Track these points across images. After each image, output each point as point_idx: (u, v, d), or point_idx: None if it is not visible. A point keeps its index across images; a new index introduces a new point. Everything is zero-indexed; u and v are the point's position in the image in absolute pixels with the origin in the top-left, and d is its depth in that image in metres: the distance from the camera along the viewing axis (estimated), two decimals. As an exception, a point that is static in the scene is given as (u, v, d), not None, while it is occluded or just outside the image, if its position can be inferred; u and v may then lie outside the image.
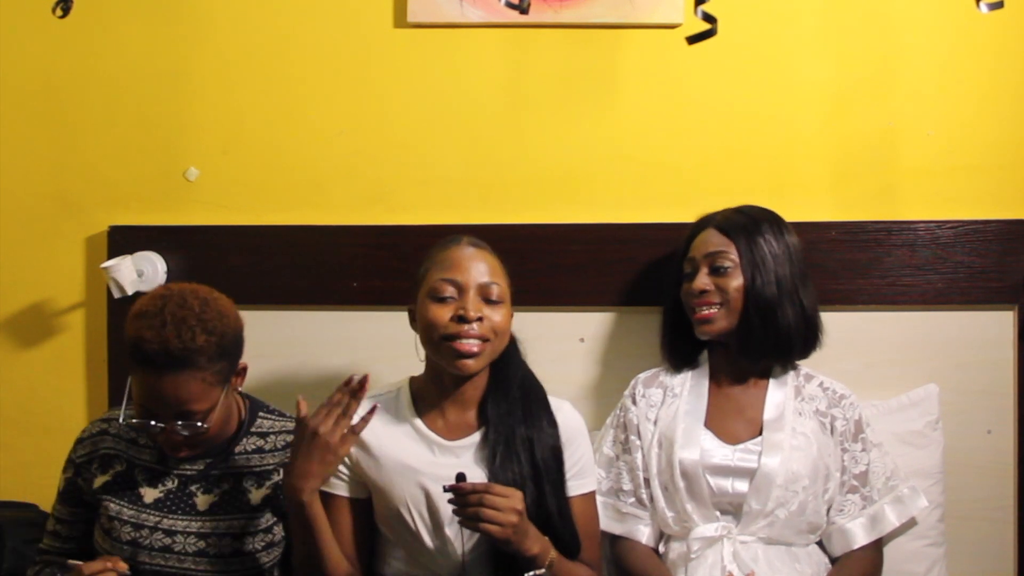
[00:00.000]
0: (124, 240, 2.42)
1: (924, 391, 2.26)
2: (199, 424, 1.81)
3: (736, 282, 2.03)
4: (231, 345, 1.85)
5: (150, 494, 1.94)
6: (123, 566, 1.75)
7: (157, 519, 1.92)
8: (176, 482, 1.95)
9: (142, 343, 1.76)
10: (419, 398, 1.97)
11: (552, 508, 1.89)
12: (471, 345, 1.86)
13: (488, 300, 1.89)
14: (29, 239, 2.50)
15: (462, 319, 1.85)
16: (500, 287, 1.91)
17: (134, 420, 1.84)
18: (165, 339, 1.75)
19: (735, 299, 2.03)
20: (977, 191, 2.35)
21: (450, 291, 1.88)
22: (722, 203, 2.14)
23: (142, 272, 2.35)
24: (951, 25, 2.34)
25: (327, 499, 1.91)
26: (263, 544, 1.95)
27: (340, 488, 1.94)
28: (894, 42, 2.36)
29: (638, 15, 2.36)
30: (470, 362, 1.87)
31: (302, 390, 2.36)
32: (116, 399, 2.19)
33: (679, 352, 2.15)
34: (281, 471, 1.95)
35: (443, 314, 1.87)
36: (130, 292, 2.31)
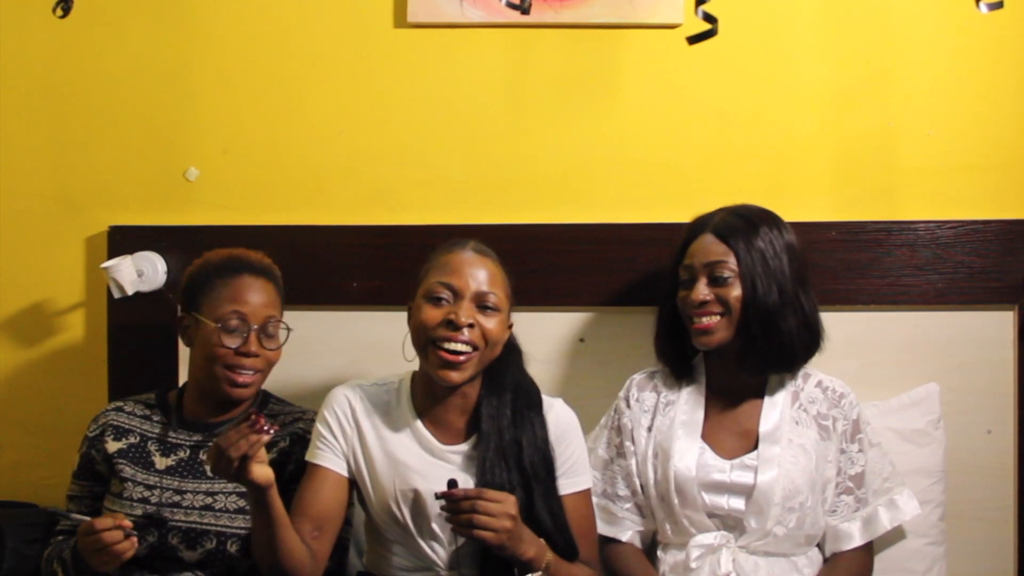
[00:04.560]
0: (124, 240, 2.42)
1: (925, 390, 2.26)
2: (281, 323, 2.02)
3: (736, 292, 1.98)
4: (282, 289, 2.11)
5: (162, 462, 2.02)
6: (128, 524, 1.80)
7: (169, 481, 2.00)
8: (188, 452, 2.03)
9: (234, 256, 2.05)
10: (417, 396, 1.98)
11: (543, 514, 1.88)
12: (457, 353, 1.85)
13: (483, 307, 1.88)
14: (29, 239, 2.50)
15: (452, 324, 1.85)
16: (497, 296, 1.90)
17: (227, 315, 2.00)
18: (248, 256, 2.06)
19: (735, 309, 1.98)
20: (977, 191, 2.35)
21: (445, 295, 1.88)
22: (722, 203, 2.13)
23: (142, 272, 2.35)
24: (951, 25, 2.34)
25: (315, 470, 1.94)
26: None
27: (329, 461, 1.94)
28: (894, 42, 2.36)
29: (638, 15, 2.36)
30: (454, 374, 1.86)
31: (302, 390, 2.37)
32: (116, 398, 2.19)
33: (679, 361, 2.11)
34: (289, 439, 2.04)
35: (435, 316, 1.87)
36: (130, 292, 2.31)
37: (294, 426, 2.07)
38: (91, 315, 2.49)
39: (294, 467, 2.01)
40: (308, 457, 1.96)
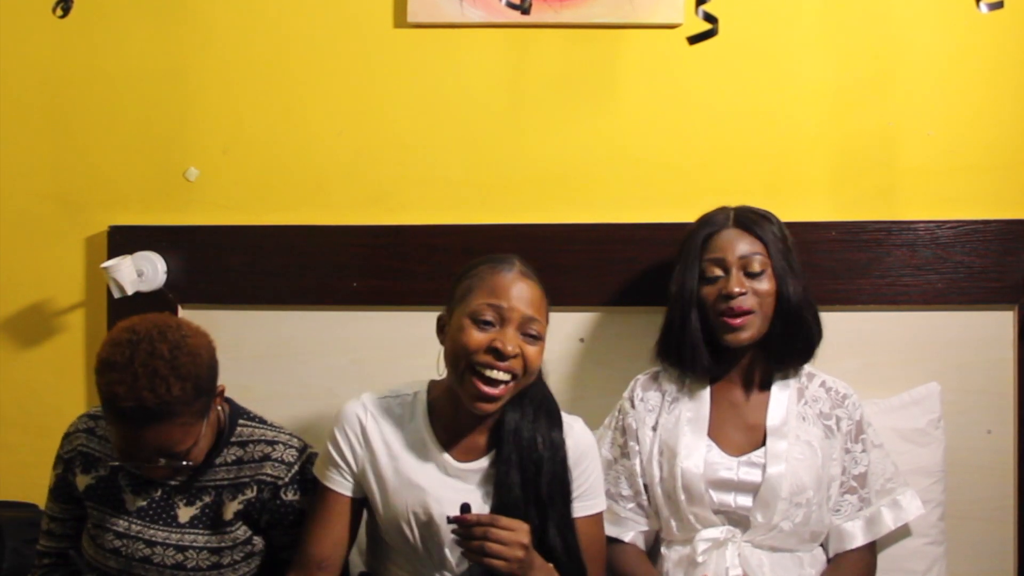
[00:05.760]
0: (124, 240, 2.42)
1: (926, 389, 2.27)
2: (185, 463, 1.80)
3: (768, 285, 2.00)
4: (206, 382, 1.79)
5: (134, 502, 1.92)
6: None
7: (140, 528, 1.91)
8: (160, 492, 1.93)
9: (116, 400, 1.69)
10: (435, 410, 1.92)
11: (556, 540, 1.84)
12: (496, 383, 1.80)
13: (527, 335, 1.82)
14: (29, 239, 2.50)
15: (498, 353, 1.79)
16: (541, 324, 1.84)
17: (115, 463, 1.85)
18: (140, 396, 1.68)
19: (767, 303, 2.00)
20: (977, 191, 2.35)
21: (492, 317, 1.81)
22: (722, 203, 2.12)
23: (142, 272, 2.35)
24: (951, 25, 2.34)
25: (324, 492, 1.91)
26: (241, 555, 1.93)
27: (338, 485, 1.91)
28: (894, 42, 2.36)
29: (638, 15, 2.36)
30: (488, 406, 1.81)
31: (302, 390, 2.38)
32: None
33: (704, 360, 2.06)
34: (256, 487, 1.91)
35: (480, 341, 1.79)
36: (130, 292, 2.31)
37: (261, 469, 1.92)
38: (91, 315, 2.49)
39: (270, 516, 1.92)
40: (317, 474, 1.93)
